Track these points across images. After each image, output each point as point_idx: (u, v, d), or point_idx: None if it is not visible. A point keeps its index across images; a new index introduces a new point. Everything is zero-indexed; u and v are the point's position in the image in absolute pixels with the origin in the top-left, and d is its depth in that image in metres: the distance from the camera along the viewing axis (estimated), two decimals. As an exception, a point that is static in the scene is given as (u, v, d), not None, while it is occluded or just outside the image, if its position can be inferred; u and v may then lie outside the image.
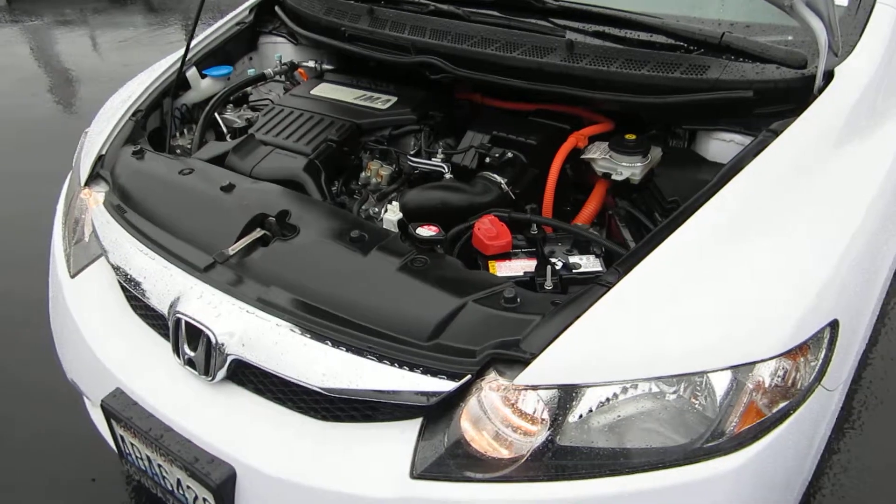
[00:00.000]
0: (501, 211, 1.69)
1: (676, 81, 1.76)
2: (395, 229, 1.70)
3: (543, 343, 1.31)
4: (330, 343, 1.43)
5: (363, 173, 1.99)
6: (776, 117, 1.70)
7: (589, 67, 1.83)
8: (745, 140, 1.78)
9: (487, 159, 1.84)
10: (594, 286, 1.37)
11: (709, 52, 1.79)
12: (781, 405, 1.33)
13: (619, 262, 1.40)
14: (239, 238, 1.65)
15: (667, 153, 1.84)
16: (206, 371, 1.54)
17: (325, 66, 2.53)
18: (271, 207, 1.71)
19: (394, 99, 2.11)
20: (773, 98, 1.74)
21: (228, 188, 1.79)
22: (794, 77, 1.72)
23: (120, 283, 1.83)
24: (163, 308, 1.65)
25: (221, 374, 1.54)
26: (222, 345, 1.52)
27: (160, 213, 1.83)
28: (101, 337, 1.81)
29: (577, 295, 1.37)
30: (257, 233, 1.67)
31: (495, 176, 1.82)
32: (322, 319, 1.46)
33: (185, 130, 2.37)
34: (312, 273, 1.57)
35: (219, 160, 2.02)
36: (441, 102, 2.14)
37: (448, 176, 1.86)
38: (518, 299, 1.39)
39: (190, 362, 1.57)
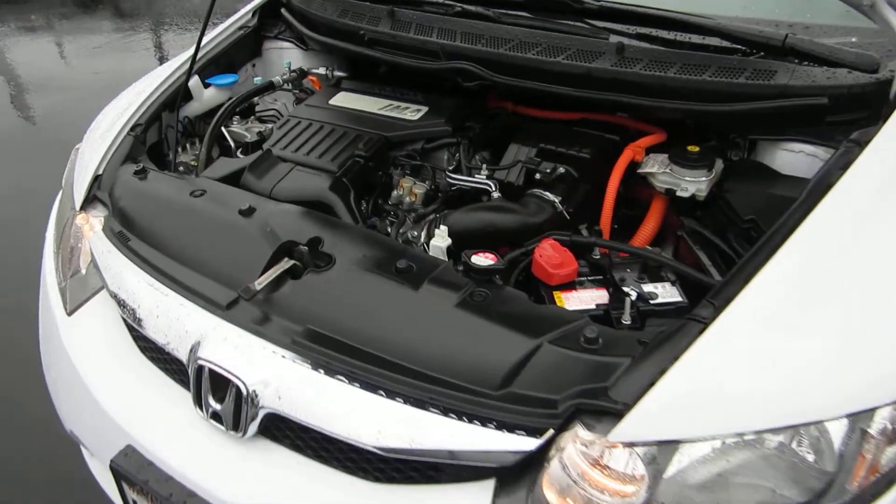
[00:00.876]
0: (562, 234, 1.52)
1: (741, 87, 1.61)
2: (443, 257, 1.53)
3: (637, 391, 1.14)
4: (384, 394, 1.25)
5: (395, 192, 1.81)
6: (849, 126, 1.56)
7: (644, 73, 1.68)
8: (817, 151, 1.64)
9: (538, 175, 1.68)
10: (688, 323, 1.21)
11: (771, 55, 1.65)
12: None
13: (713, 294, 1.25)
14: (265, 270, 1.46)
15: (731, 166, 1.70)
16: (236, 426, 1.35)
17: (337, 73, 2.34)
18: (299, 233, 1.53)
19: (423, 109, 1.94)
20: (846, 105, 1.60)
21: (248, 212, 1.61)
22: (868, 82, 1.58)
23: (126, 321, 1.63)
24: (181, 353, 1.46)
25: (253, 428, 1.35)
26: (255, 396, 1.33)
27: (170, 242, 1.63)
28: (107, 384, 1.60)
29: (668, 333, 1.21)
30: (286, 263, 1.48)
31: (547, 194, 1.66)
32: (372, 365, 1.28)
33: (188, 145, 2.17)
34: (355, 310, 1.39)
35: (232, 179, 1.82)
36: (474, 112, 1.98)
37: (496, 195, 1.69)
38: (600, 339, 1.22)
39: (215, 416, 1.38)
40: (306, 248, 1.50)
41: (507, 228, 1.59)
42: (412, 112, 1.93)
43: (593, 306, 1.39)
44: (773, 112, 1.60)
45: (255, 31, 2.40)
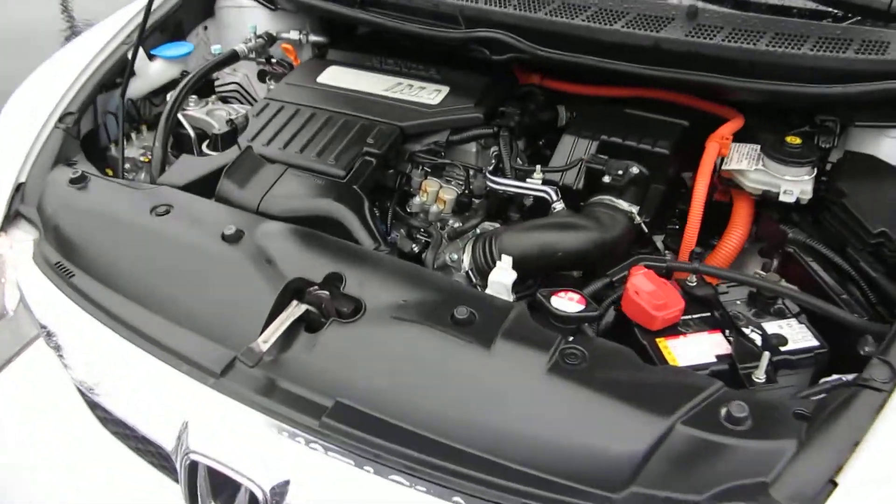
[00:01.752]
0: (654, 259, 1.20)
1: (849, 64, 1.31)
2: (507, 296, 1.18)
3: (813, 490, 0.86)
4: (462, 502, 0.93)
5: (417, 198, 1.44)
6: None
7: (728, 45, 1.35)
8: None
9: (607, 178, 1.34)
10: (860, 391, 0.93)
11: (876, 21, 1.36)
12: None
13: (885, 349, 0.97)
14: (270, 320, 1.10)
15: (839, 161, 1.41)
16: None
17: (313, 38, 1.93)
18: (309, 267, 1.17)
19: (443, 89, 1.56)
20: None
21: (235, 237, 1.22)
22: None
23: (77, 387, 1.24)
24: (162, 439, 1.09)
25: (276, 546, 1.01)
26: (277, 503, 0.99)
27: (132, 279, 1.23)
28: (54, 473, 1.22)
29: (836, 405, 0.93)
30: (296, 310, 1.12)
31: (620, 202, 1.33)
32: (439, 460, 0.95)
33: (133, 135, 1.73)
34: (405, 378, 1.04)
35: (202, 186, 1.42)
36: (508, 93, 1.61)
37: (558, 205, 1.34)
38: (749, 417, 0.93)
39: None
40: (322, 288, 1.14)
41: (578, 251, 1.26)
42: (430, 93, 1.55)
43: (713, 359, 1.09)
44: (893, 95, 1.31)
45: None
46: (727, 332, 1.13)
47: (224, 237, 1.23)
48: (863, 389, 0.93)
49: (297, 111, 1.54)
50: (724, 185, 1.43)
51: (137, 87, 1.78)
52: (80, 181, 1.40)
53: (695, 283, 1.21)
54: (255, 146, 1.47)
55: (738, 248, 1.37)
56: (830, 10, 1.42)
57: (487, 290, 1.19)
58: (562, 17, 1.45)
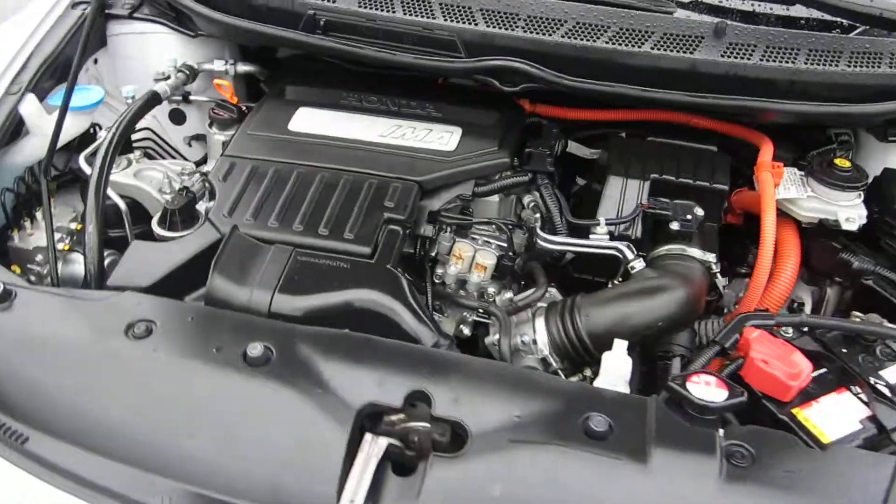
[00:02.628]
0: (763, 317, 1.07)
1: (886, 79, 1.28)
2: (624, 387, 1.00)
3: None
4: None
5: (451, 267, 1.21)
6: None
7: (768, 65, 1.27)
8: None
9: (675, 225, 1.19)
10: None
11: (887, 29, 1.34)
12: None
13: None
14: (345, 470, 0.85)
15: (881, 180, 1.36)
16: None
17: (242, 68, 1.61)
18: (376, 386, 0.92)
19: (454, 130, 1.33)
20: None
21: (262, 358, 0.94)
22: None
23: None
24: None
25: None
26: None
27: (128, 437, 0.91)
28: None
29: None
30: (375, 447, 0.88)
31: (693, 250, 1.19)
32: None
33: (29, 221, 1.33)
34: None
35: (174, 285, 1.10)
36: (520, 126, 1.41)
37: (638, 264, 1.16)
38: None
39: None
40: (405, 413, 0.90)
41: (671, 317, 1.10)
42: (439, 136, 1.31)
43: (858, 425, 0.99)
44: None
45: (99, 7, 1.54)
46: (854, 390, 1.04)
47: (247, 360, 0.94)
48: None
49: (279, 171, 1.25)
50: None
51: (28, 152, 1.37)
52: (4, 298, 1.02)
53: (791, 335, 1.11)
54: (240, 224, 1.16)
55: (794, 281, 1.30)
56: (836, 20, 1.39)
57: (599, 383, 1.00)
58: (578, 38, 1.29)
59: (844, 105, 1.28)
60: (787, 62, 1.27)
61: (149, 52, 1.61)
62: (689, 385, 0.94)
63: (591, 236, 1.19)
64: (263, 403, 0.92)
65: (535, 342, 1.12)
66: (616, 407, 0.92)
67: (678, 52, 1.27)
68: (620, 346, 1.01)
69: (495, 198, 1.31)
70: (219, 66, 1.59)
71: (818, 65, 1.27)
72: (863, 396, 1.03)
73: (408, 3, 1.34)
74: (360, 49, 1.35)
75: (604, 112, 1.46)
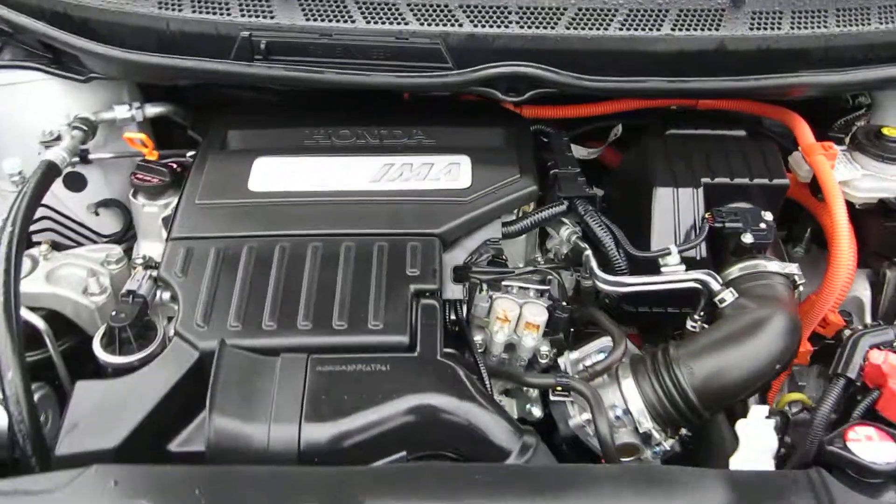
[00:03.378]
0: (881, 333, 0.92)
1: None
2: (766, 464, 0.80)
3: None
4: None
5: (499, 332, 0.97)
6: None
7: (800, 33, 1.11)
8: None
9: (749, 237, 1.01)
10: None
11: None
12: None
13: None
14: None
15: None
16: None
17: (152, 110, 1.29)
18: None
19: (461, 160, 1.08)
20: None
21: None
22: None
23: None
24: None
25: None
26: None
27: None
28: None
29: None
30: None
31: (772, 264, 1.01)
32: None
33: None
34: None
35: (154, 435, 0.82)
36: (527, 139, 1.18)
37: (728, 296, 0.96)
38: None
39: None
40: None
41: (786, 353, 0.92)
42: (445, 170, 1.05)
43: None
44: None
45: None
46: None
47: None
48: None
49: (255, 249, 0.96)
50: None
51: None
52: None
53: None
54: (225, 334, 0.87)
55: (855, 269, 1.15)
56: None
57: (740, 461, 0.81)
58: (589, 28, 1.07)
59: (885, 67, 1.15)
60: (818, 27, 1.12)
61: (24, 107, 1.25)
62: (850, 444, 0.77)
63: (664, 268, 0.99)
64: None
65: (627, 412, 0.91)
66: (780, 492, 0.73)
67: (703, 30, 1.09)
68: (760, 411, 0.82)
69: (522, 236, 1.08)
70: (122, 112, 1.26)
71: (850, 26, 1.13)
72: None
73: (368, 8, 1.08)
74: (319, 74, 1.07)
75: (602, 105, 1.26)
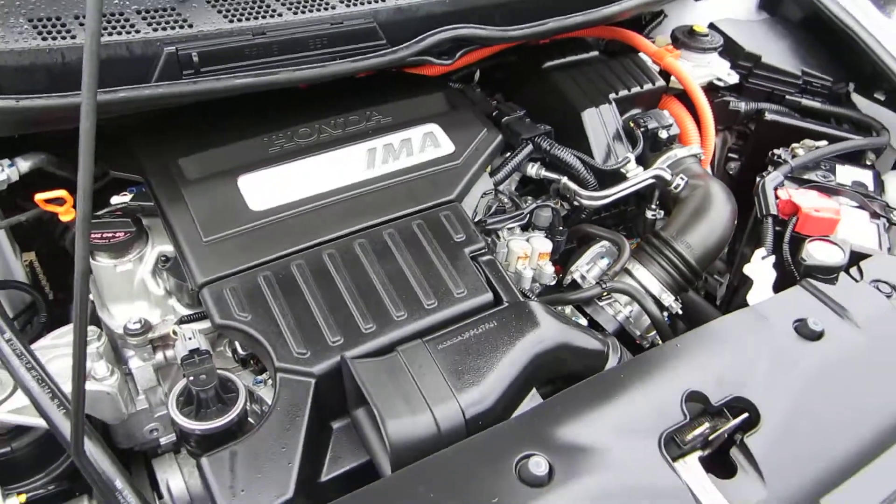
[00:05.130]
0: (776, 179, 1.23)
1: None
2: (769, 291, 1.05)
3: None
4: None
5: (525, 269, 1.08)
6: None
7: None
8: None
9: (664, 133, 1.23)
10: None
11: None
12: None
13: None
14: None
15: None
16: None
17: (24, 164, 1.09)
18: (642, 420, 0.86)
19: (432, 127, 1.12)
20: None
21: (545, 476, 0.78)
22: None
23: None
24: None
25: None
26: None
27: None
28: None
29: None
30: (694, 471, 0.84)
31: (682, 149, 1.26)
32: None
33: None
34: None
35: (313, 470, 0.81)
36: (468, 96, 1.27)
37: (679, 181, 1.16)
38: None
39: None
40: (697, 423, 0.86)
41: (735, 207, 1.20)
42: (425, 141, 1.10)
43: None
44: None
45: None
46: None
47: (530, 481, 0.77)
48: None
49: (303, 266, 0.93)
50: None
51: None
52: None
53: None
54: (328, 352, 0.86)
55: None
56: None
57: (756, 295, 1.05)
58: None
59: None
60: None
61: None
62: (815, 255, 1.07)
63: (630, 176, 1.19)
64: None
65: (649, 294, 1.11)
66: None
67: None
68: (760, 254, 1.08)
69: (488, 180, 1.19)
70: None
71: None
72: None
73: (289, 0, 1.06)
74: (271, 75, 1.03)
75: (483, 49, 1.39)
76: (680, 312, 1.16)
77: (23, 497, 0.85)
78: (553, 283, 1.16)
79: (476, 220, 1.11)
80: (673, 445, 0.85)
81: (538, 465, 0.78)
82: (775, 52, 1.54)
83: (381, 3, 1.11)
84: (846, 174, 1.36)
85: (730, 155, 1.56)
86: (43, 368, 0.84)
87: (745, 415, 0.88)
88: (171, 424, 0.99)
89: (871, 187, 1.34)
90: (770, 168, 1.32)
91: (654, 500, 0.81)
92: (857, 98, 1.58)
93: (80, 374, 0.70)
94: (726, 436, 0.88)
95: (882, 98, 1.51)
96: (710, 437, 0.86)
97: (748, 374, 0.92)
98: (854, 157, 1.44)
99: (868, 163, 1.45)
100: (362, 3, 1.10)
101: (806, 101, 1.50)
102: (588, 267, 1.16)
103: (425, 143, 1.12)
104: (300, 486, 0.80)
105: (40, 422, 0.84)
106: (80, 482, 0.94)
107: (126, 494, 0.78)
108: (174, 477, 0.97)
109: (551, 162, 1.22)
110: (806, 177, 1.32)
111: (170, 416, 0.86)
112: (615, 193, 1.18)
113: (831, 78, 1.52)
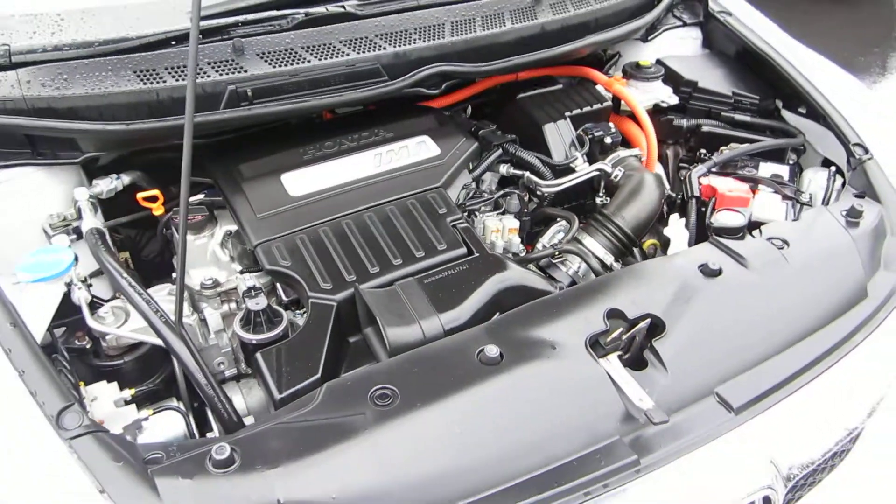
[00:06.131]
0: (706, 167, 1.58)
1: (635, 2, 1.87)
2: (684, 245, 1.38)
3: None
4: None
5: (498, 240, 1.43)
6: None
7: (581, 11, 1.74)
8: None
9: (609, 139, 1.61)
10: None
11: None
12: None
13: None
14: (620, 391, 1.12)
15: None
16: None
17: (127, 178, 1.49)
18: (575, 326, 1.18)
19: (425, 139, 1.53)
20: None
21: (496, 358, 1.10)
22: None
23: None
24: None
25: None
26: None
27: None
28: None
29: None
30: (616, 366, 1.15)
31: (624, 152, 1.63)
32: None
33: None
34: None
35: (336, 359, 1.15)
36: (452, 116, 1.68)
37: (618, 172, 1.54)
38: None
39: None
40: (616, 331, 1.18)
41: (662, 190, 1.55)
42: (418, 148, 1.49)
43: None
44: None
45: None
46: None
47: (485, 361, 1.09)
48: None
49: (328, 230, 1.32)
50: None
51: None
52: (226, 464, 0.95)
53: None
54: (344, 286, 1.22)
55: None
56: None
57: (674, 249, 1.38)
58: (465, 33, 1.58)
59: (625, 25, 1.83)
60: (587, 6, 1.76)
61: (11, 203, 1.38)
62: (722, 220, 1.40)
63: (578, 169, 1.55)
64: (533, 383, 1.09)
65: (594, 255, 1.44)
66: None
67: (528, 20, 1.66)
68: (676, 219, 1.42)
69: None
70: (107, 185, 1.45)
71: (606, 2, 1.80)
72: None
73: (313, 50, 1.46)
74: (303, 103, 1.43)
75: (469, 89, 1.78)
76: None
77: (132, 390, 1.20)
78: (522, 253, 1.50)
79: (458, 203, 1.47)
80: (598, 347, 1.17)
81: (491, 350, 1.10)
82: (710, 78, 1.89)
83: (382, 51, 1.50)
84: (767, 169, 1.69)
85: (681, 164, 1.89)
86: (153, 300, 1.20)
87: (650, 320, 1.19)
88: (235, 353, 1.35)
89: (786, 178, 1.67)
90: (697, 164, 1.66)
91: (580, 382, 1.12)
92: (786, 113, 1.91)
93: (179, 297, 1.07)
94: (639, 340, 1.19)
95: (804, 111, 1.84)
96: (624, 338, 1.17)
97: (657, 298, 1.24)
98: (778, 157, 1.77)
99: (790, 161, 1.78)
100: (368, 51, 1.50)
101: (738, 116, 1.85)
102: (549, 241, 1.51)
103: (419, 149, 1.50)
104: (325, 372, 1.13)
105: (151, 338, 1.21)
106: (171, 389, 1.29)
107: (212, 389, 1.13)
108: (236, 396, 1.30)
109: (517, 162, 1.58)
110: (729, 170, 1.66)
111: (235, 335, 1.22)
112: (566, 182, 1.54)
113: (758, 97, 1.86)
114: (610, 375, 1.12)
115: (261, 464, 0.96)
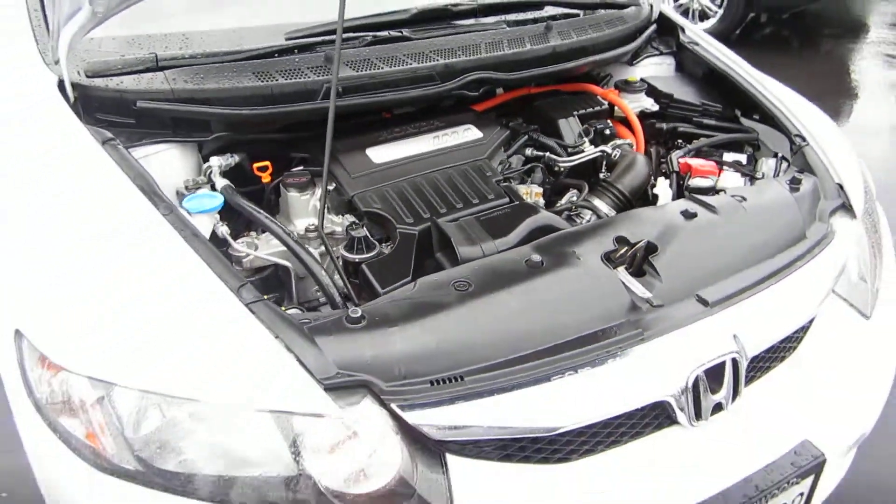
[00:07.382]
0: (683, 154, 2.07)
1: (622, 33, 2.39)
2: (670, 198, 1.86)
3: None
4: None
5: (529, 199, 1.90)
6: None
7: (582, 38, 2.25)
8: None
9: (608, 130, 2.10)
10: None
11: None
12: None
13: None
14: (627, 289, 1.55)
15: None
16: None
17: (236, 157, 1.93)
18: (596, 246, 1.61)
19: (470, 127, 2.01)
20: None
21: (539, 264, 1.54)
22: None
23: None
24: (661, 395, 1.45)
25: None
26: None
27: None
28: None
29: None
30: (622, 273, 1.59)
31: (623, 140, 2.12)
32: None
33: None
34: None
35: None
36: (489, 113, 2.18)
37: (617, 152, 2.04)
38: None
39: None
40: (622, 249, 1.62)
41: (650, 164, 2.05)
42: (465, 134, 1.97)
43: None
44: None
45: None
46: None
47: (533, 265, 1.52)
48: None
49: (406, 186, 1.77)
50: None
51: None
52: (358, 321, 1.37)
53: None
54: (420, 221, 1.67)
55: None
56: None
57: (662, 201, 1.85)
58: (497, 50, 2.07)
59: (615, 50, 2.34)
60: (586, 35, 2.27)
61: (155, 172, 1.80)
62: (697, 183, 1.87)
63: (586, 150, 2.03)
64: (590, 280, 1.54)
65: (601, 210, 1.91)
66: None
67: (541, 43, 2.16)
68: (663, 181, 1.89)
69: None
70: (226, 160, 1.89)
71: (600, 31, 2.31)
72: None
73: (384, 60, 1.94)
74: (383, 96, 1.90)
75: (498, 98, 2.27)
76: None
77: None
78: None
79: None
80: (610, 261, 1.60)
81: (535, 258, 1.53)
82: (683, 92, 2.41)
83: (435, 62, 1.98)
84: (730, 156, 2.18)
85: (661, 160, 2.38)
86: (286, 229, 1.64)
87: (647, 241, 1.63)
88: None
89: (744, 162, 2.15)
90: (675, 150, 2.16)
91: (599, 280, 1.55)
92: (744, 119, 2.42)
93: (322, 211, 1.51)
94: (639, 256, 1.62)
95: (758, 117, 2.35)
96: (629, 254, 1.61)
97: (652, 230, 1.68)
98: (738, 148, 2.26)
99: (748, 152, 2.27)
100: (425, 62, 1.97)
101: (706, 121, 2.35)
102: (565, 202, 1.97)
103: (466, 134, 1.98)
104: (413, 277, 1.56)
105: (279, 259, 1.64)
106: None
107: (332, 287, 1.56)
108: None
109: (539, 146, 2.06)
110: (700, 156, 2.15)
111: (341, 256, 1.65)
112: (577, 159, 2.02)
113: (721, 105, 2.37)
114: (620, 279, 1.56)
115: (382, 323, 1.38)
